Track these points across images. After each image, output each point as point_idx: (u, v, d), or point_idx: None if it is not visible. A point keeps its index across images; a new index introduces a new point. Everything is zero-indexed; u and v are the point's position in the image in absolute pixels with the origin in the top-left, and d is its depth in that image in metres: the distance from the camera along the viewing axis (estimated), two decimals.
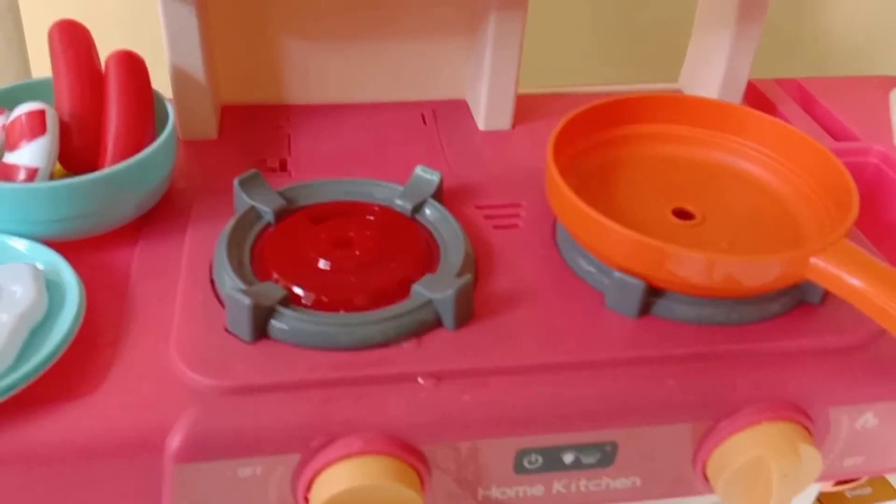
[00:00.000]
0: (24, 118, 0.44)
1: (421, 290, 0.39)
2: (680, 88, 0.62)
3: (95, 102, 0.46)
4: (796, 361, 0.40)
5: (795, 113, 0.61)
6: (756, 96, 0.63)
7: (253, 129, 0.54)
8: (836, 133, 0.59)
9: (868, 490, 0.71)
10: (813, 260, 0.38)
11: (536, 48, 0.63)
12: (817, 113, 0.61)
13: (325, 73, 0.56)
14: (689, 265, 0.38)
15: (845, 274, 0.38)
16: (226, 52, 0.54)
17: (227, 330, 0.39)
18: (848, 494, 0.70)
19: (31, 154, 0.43)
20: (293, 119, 0.55)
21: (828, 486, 0.67)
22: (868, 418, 0.40)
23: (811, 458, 0.37)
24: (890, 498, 0.70)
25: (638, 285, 0.40)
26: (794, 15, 0.82)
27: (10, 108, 0.45)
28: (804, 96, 0.63)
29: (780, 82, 0.64)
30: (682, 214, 0.45)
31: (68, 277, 0.40)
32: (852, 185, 0.42)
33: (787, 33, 0.80)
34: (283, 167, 0.51)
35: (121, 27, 0.57)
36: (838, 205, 0.43)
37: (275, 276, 0.41)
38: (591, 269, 0.43)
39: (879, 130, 0.58)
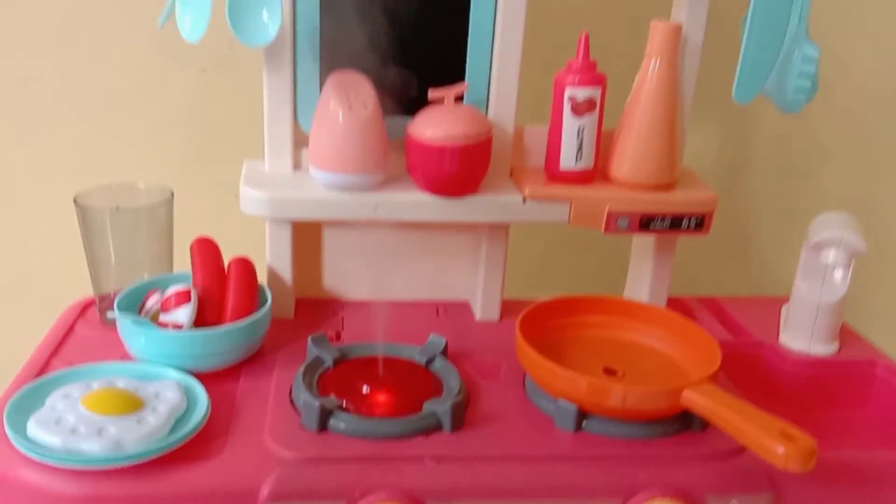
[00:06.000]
0: (175, 293, 0.67)
1: (429, 405, 0.60)
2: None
3: (219, 289, 0.70)
4: (683, 464, 0.59)
5: (708, 319, 0.83)
6: (682, 308, 0.85)
7: (318, 313, 0.77)
8: (736, 332, 0.81)
9: None
10: (685, 392, 0.59)
11: (520, 266, 0.88)
12: (726, 320, 0.84)
13: (367, 278, 0.80)
14: (604, 392, 0.59)
15: (707, 401, 0.58)
16: (302, 261, 0.78)
17: (301, 426, 0.59)
18: None
19: (178, 315, 0.66)
20: (347, 308, 0.79)
21: None
22: None
23: None
24: None
25: (573, 409, 0.60)
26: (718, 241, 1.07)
27: (162, 289, 0.69)
28: (717, 309, 0.86)
29: (700, 299, 0.88)
30: (609, 371, 0.66)
31: (200, 392, 0.61)
32: (717, 349, 0.64)
33: (709, 259, 1.06)
34: (338, 337, 0.73)
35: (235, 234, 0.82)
36: (708, 364, 0.64)
37: (332, 395, 0.62)
38: (544, 402, 0.63)
39: (769, 332, 0.80)
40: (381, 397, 0.62)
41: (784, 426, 0.55)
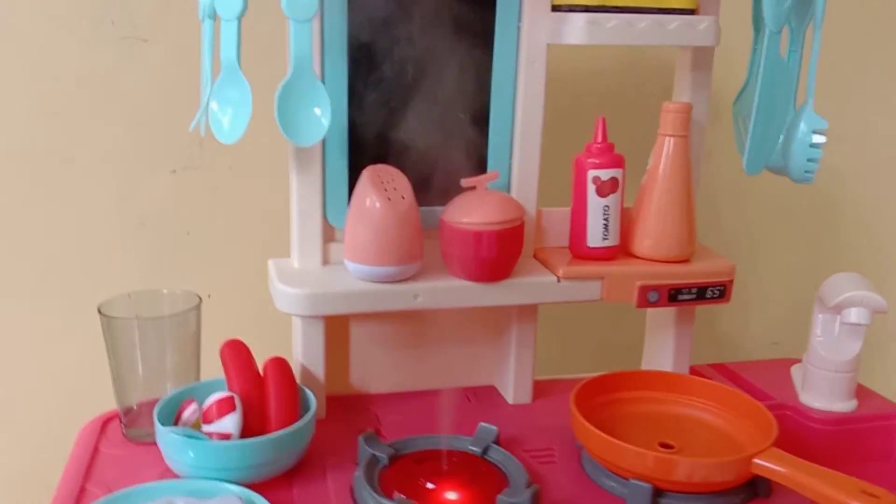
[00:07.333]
0: (216, 402, 0.64)
1: (504, 499, 0.58)
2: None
3: (257, 393, 0.66)
4: None
5: (727, 384, 0.84)
6: (698, 375, 0.87)
7: (349, 410, 0.75)
8: (757, 396, 0.83)
9: None
10: (755, 459, 0.60)
11: (547, 345, 0.88)
12: (743, 384, 0.85)
13: (396, 370, 0.78)
14: (681, 469, 0.59)
15: (783, 466, 0.59)
16: (329, 358, 0.76)
17: None
18: None
19: (224, 425, 0.63)
20: (377, 402, 0.76)
21: None
22: None
23: None
24: None
25: (648, 488, 0.60)
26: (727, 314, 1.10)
27: (199, 399, 0.65)
28: (731, 374, 0.88)
29: (713, 366, 0.89)
30: (665, 445, 0.66)
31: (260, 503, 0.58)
32: (770, 416, 0.65)
33: (716, 329, 1.08)
34: (378, 433, 0.71)
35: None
36: (764, 431, 0.65)
37: (397, 495, 0.59)
38: (612, 483, 0.63)
39: (788, 393, 0.82)
40: (452, 494, 0.60)
41: (864, 485, 0.56)
